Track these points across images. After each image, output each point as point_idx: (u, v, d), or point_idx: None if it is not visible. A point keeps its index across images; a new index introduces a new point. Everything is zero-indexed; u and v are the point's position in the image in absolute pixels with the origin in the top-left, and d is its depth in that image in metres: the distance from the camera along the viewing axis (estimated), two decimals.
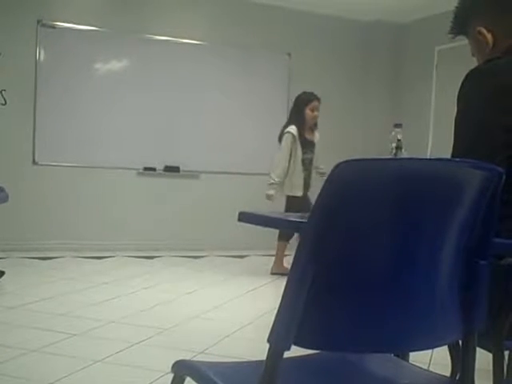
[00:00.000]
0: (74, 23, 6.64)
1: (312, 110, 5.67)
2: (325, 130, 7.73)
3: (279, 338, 1.08)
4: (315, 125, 5.80)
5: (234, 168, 7.42)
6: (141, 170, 7.01)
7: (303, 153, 5.67)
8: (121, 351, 3.17)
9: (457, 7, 1.80)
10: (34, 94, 6.53)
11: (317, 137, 5.84)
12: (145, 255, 6.55)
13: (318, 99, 5.74)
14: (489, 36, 1.71)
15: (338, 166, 1.05)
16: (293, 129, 5.61)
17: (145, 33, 6.96)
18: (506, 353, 1.67)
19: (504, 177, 1.23)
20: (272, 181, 5.63)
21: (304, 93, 5.79)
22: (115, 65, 6.93)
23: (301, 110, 5.69)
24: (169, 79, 7.07)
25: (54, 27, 6.56)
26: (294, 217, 1.26)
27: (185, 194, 7.24)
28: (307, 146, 5.70)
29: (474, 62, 1.81)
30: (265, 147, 7.57)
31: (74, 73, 6.67)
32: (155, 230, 7.05)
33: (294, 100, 5.89)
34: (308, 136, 5.73)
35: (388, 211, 1.13)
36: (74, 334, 3.43)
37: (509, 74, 1.56)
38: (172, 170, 7.13)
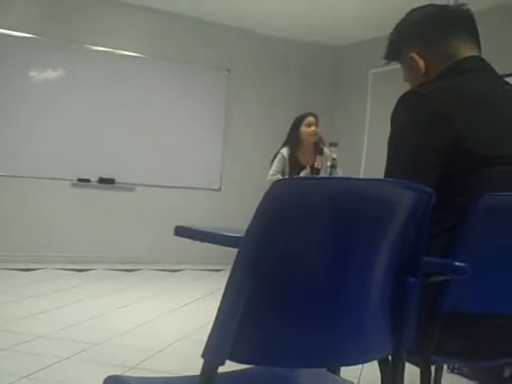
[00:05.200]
0: (10, 29, 6.49)
1: (308, 126, 5.17)
2: (263, 147, 7.83)
3: (214, 352, 1.09)
4: (318, 145, 5.04)
5: (170, 181, 7.38)
6: (75, 181, 6.88)
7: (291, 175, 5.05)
8: (49, 366, 3.09)
9: (391, 34, 1.86)
10: None
11: (323, 158, 4.68)
12: (77, 268, 6.42)
13: (314, 115, 5.25)
14: (421, 62, 1.77)
15: (275, 183, 1.08)
16: (284, 150, 5.18)
17: (82, 43, 6.86)
18: (433, 367, 1.72)
19: (434, 197, 1.28)
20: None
21: (298, 116, 5.33)
22: (51, 74, 6.80)
23: (295, 130, 5.23)
24: (106, 90, 6.99)
25: None
26: (231, 232, 1.27)
27: (120, 207, 7.15)
28: (297, 168, 5.09)
29: (406, 85, 1.88)
30: (201, 161, 7.59)
31: (8, 80, 6.51)
32: (88, 242, 6.92)
33: None
34: (305, 160, 5.09)
35: (322, 229, 1.15)
36: (1, 349, 3.33)
37: (439, 99, 1.62)
38: (107, 181, 7.03)
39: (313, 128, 5.18)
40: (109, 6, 6.99)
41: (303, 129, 5.19)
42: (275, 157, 5.25)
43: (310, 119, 5.23)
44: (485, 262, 1.53)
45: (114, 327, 4.06)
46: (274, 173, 5.14)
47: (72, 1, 6.82)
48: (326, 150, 4.95)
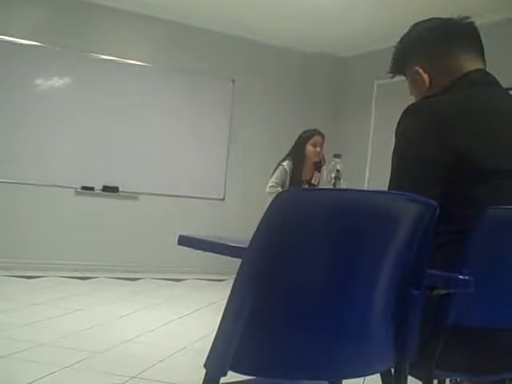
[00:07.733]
0: (17, 37, 6.52)
1: (314, 146, 5.27)
2: (267, 157, 7.83)
3: (216, 363, 1.08)
4: (319, 163, 5.29)
5: (174, 190, 7.38)
6: (79, 189, 6.89)
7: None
8: (50, 375, 3.08)
9: (396, 48, 1.87)
10: None
11: (321, 175, 5.20)
12: (79, 276, 6.41)
13: (321, 134, 5.34)
14: (425, 75, 1.78)
15: (279, 195, 1.08)
16: (286, 164, 5.28)
17: (89, 51, 6.89)
18: (436, 381, 1.71)
19: (438, 210, 1.28)
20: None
21: (305, 130, 5.43)
22: (58, 82, 6.82)
23: (301, 146, 5.31)
24: (112, 99, 7.00)
25: None
26: (235, 242, 1.27)
27: (123, 215, 7.15)
28: (297, 182, 5.20)
29: (411, 97, 1.88)
30: (206, 171, 7.60)
31: (14, 87, 6.53)
32: (91, 250, 6.91)
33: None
34: (304, 175, 5.28)
35: (326, 240, 1.15)
36: (1, 357, 3.32)
37: (443, 112, 1.62)
38: (111, 189, 7.04)
39: (318, 149, 5.29)
40: (115, 16, 7.02)
41: (309, 147, 5.29)
42: (277, 168, 5.33)
43: (318, 139, 5.32)
44: (488, 276, 1.52)
45: (115, 336, 4.04)
46: (274, 184, 5.23)
47: (79, 9, 6.85)
48: (324, 168, 5.17)
